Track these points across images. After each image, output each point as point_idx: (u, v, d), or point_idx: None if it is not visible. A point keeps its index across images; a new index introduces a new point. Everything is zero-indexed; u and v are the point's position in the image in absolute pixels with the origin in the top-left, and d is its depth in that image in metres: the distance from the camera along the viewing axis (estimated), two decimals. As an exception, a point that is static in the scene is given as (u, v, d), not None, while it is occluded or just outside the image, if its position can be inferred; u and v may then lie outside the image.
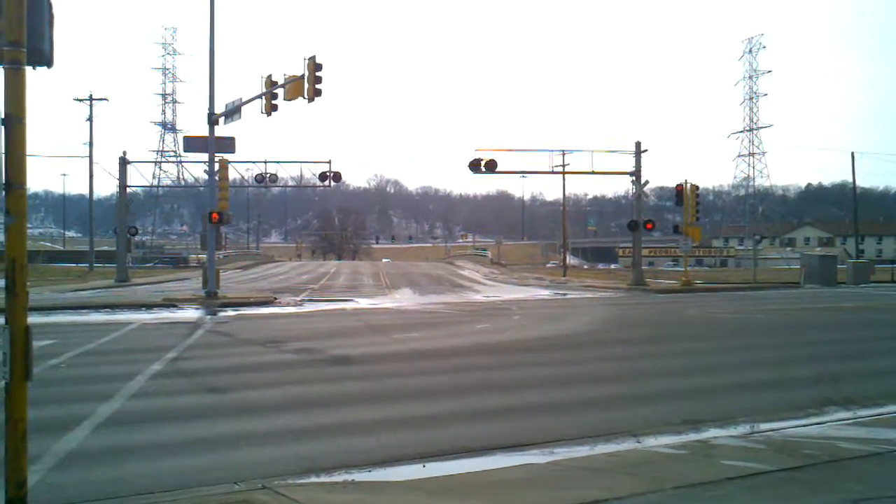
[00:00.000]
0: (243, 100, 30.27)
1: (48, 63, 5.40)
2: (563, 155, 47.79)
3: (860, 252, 73.75)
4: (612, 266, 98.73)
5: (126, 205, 47.31)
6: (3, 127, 4.89)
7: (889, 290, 43.64)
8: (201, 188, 48.94)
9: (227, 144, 33.78)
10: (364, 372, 13.57)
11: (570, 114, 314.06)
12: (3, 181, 4.84)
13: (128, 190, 47.20)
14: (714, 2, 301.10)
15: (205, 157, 33.85)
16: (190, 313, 26.21)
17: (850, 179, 70.12)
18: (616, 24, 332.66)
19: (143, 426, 9.18)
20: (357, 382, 12.55)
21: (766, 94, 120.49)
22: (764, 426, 9.40)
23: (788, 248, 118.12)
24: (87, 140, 61.25)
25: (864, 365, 14.74)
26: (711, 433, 9.02)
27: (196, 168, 54.53)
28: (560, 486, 6.57)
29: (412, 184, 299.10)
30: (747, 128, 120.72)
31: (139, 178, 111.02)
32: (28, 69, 4.95)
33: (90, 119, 61.21)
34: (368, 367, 14.16)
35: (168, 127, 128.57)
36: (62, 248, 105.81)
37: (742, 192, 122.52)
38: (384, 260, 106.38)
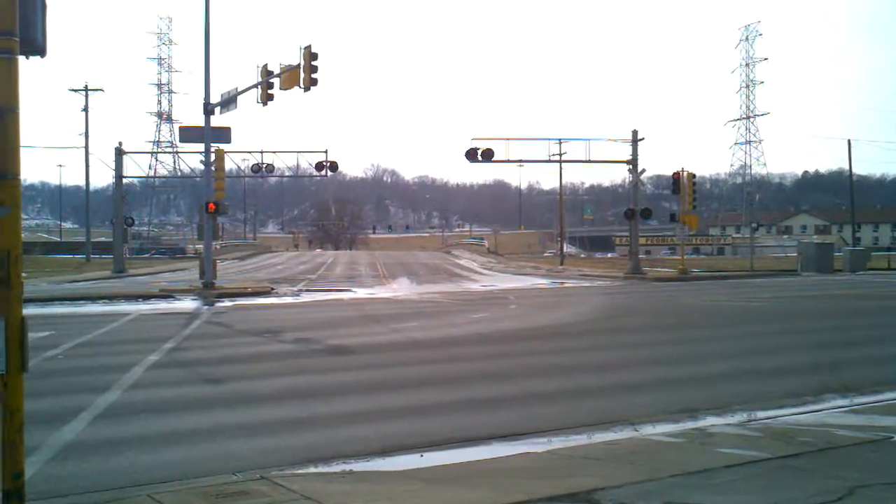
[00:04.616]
0: (239, 89, 30.19)
1: (41, 53, 5.35)
2: (560, 144, 47.74)
3: (856, 240, 73.90)
4: (610, 255, 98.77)
5: (122, 195, 47.20)
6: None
7: (885, 277, 43.70)
8: (198, 178, 48.85)
9: (224, 134, 33.69)
10: (361, 362, 13.57)
11: (567, 103, 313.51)
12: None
13: (124, 181, 47.14)
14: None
15: (201, 147, 33.78)
16: (187, 304, 26.20)
17: (847, 167, 70.06)
18: (612, 13, 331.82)
19: (141, 417, 9.18)
20: (354, 372, 12.56)
21: (762, 82, 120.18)
22: (761, 414, 9.43)
23: (785, 236, 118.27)
24: (83, 131, 61.28)
25: (861, 352, 14.76)
26: (709, 421, 9.04)
27: (192, 158, 54.33)
28: (558, 475, 6.57)
29: (409, 173, 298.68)
30: (744, 116, 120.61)
31: (135, 168, 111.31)
32: (21, 59, 4.91)
33: (86, 110, 61.07)
34: (366, 357, 14.17)
35: (164, 117, 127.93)
36: (59, 240, 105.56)
37: (739, 180, 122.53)
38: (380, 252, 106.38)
